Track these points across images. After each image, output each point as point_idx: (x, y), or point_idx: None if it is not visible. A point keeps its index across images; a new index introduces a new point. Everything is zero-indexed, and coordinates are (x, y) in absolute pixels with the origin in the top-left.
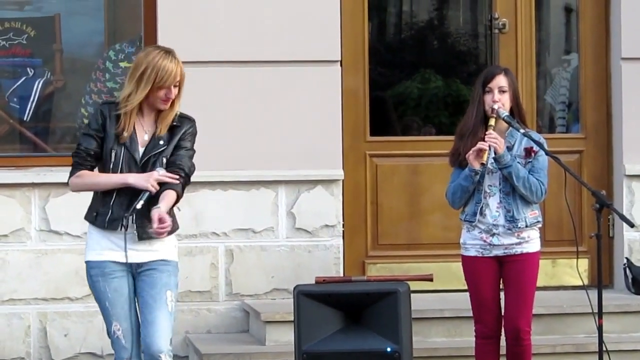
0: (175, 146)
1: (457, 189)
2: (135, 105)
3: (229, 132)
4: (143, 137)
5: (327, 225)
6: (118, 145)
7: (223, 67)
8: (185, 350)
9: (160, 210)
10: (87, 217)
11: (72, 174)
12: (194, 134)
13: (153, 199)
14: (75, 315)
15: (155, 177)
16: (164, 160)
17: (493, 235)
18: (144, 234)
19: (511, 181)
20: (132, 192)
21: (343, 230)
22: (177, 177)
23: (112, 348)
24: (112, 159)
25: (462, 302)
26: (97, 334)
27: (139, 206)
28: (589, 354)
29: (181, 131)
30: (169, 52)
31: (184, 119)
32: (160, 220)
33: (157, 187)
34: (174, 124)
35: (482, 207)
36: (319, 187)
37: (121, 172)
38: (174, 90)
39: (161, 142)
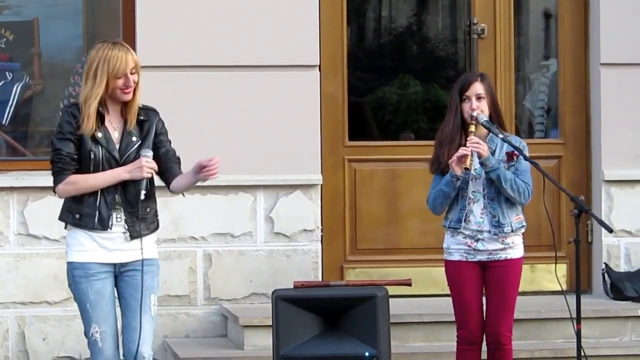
0: (156, 143)
1: (438, 195)
2: (96, 101)
3: (207, 137)
4: (114, 134)
5: (305, 230)
6: (95, 145)
7: (201, 72)
8: (163, 355)
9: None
10: (65, 219)
11: (58, 180)
12: (164, 124)
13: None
14: (53, 319)
15: (143, 163)
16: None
17: (477, 240)
18: (135, 233)
19: (499, 184)
20: (115, 190)
21: (321, 235)
22: (155, 167)
23: (88, 349)
24: (92, 160)
25: (441, 307)
26: (76, 337)
27: (142, 197)
28: (568, 359)
29: (152, 125)
30: (116, 43)
31: (149, 111)
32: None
33: (153, 171)
34: (141, 118)
35: (466, 213)
36: (297, 191)
37: (103, 171)
38: (132, 78)
39: (134, 139)
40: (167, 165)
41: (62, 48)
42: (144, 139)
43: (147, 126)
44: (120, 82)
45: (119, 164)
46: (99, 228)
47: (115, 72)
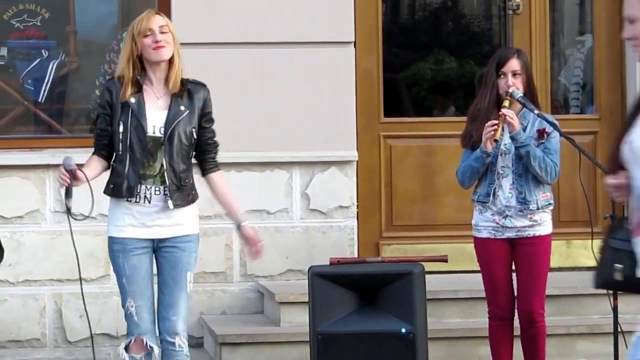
0: (202, 120)
1: (467, 169)
2: (129, 66)
3: (243, 114)
4: (156, 102)
5: (341, 207)
6: (125, 115)
7: (237, 49)
8: (199, 331)
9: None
10: (105, 191)
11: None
12: (211, 102)
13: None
14: (90, 296)
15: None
16: (193, 131)
17: (505, 217)
18: (179, 201)
19: (527, 160)
20: (142, 160)
21: (357, 212)
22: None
23: (125, 321)
24: (121, 130)
25: (477, 283)
26: (112, 315)
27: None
28: (604, 335)
29: (200, 100)
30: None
31: (197, 85)
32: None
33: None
34: (189, 88)
35: (495, 188)
36: (333, 168)
37: (130, 141)
38: (161, 36)
39: (182, 108)
40: (204, 155)
41: (98, 25)
42: (192, 112)
43: (195, 100)
44: (148, 40)
45: (145, 132)
46: (127, 195)
47: (139, 30)
